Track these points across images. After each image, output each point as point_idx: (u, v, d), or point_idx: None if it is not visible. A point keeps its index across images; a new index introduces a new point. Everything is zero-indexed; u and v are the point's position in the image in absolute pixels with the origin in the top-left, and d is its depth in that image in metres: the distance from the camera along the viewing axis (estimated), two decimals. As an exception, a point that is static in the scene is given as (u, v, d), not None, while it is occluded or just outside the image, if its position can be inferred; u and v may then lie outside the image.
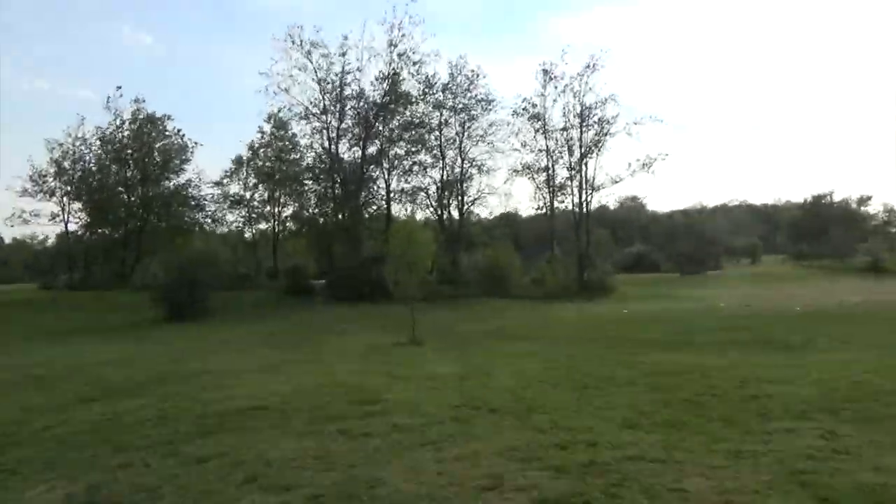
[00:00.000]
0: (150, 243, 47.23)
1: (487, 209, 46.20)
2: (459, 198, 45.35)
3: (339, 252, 41.48)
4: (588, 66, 42.65)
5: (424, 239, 19.43)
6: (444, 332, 21.70)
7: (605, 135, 43.07)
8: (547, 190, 44.91)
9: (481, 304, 35.37)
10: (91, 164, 46.24)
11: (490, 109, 44.00)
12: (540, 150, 44.55)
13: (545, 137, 44.23)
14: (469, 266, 44.29)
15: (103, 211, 44.76)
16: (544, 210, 46.02)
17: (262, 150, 49.25)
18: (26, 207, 46.34)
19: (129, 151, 46.18)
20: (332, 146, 41.52)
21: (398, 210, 45.98)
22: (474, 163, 45.19)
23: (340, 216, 41.85)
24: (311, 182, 44.71)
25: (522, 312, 30.69)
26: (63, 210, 46.91)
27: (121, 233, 45.99)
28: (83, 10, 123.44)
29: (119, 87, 56.45)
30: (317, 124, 41.65)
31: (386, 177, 44.31)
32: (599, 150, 43.55)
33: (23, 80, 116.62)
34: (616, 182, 43.96)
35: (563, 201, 45.41)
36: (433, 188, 45.32)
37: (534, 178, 45.12)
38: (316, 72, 39.88)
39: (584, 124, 43.45)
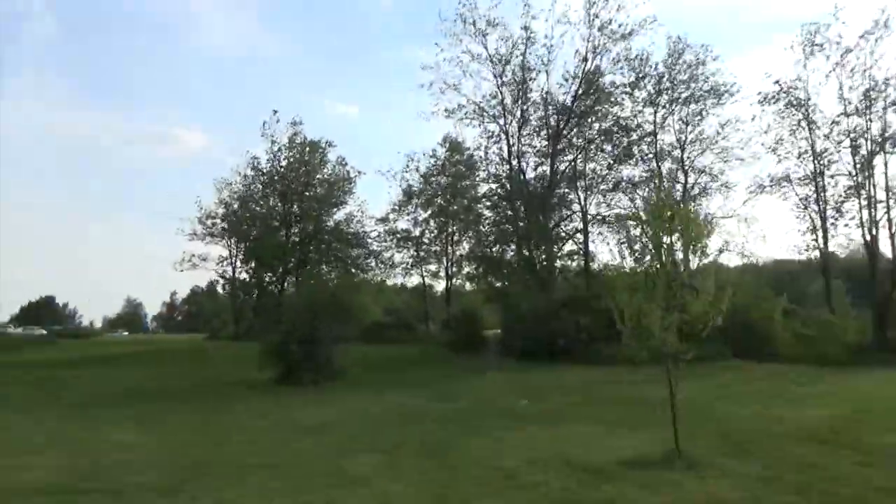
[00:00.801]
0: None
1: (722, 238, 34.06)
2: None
3: (521, 297, 32.17)
4: (878, 24, 29.06)
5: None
6: (723, 426, 10.96)
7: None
8: (817, 209, 31.39)
9: (735, 369, 23.32)
10: (253, 203, 42.52)
11: (722, 102, 32.38)
12: (802, 154, 31.45)
13: (810, 133, 31.11)
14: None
15: (262, 250, 40.38)
16: (810, 241, 32.04)
17: (434, 179, 42.31)
18: (196, 251, 43.98)
19: (287, 182, 41.63)
20: (514, 160, 32.85)
21: (595, 244, 35.80)
22: (703, 175, 33.54)
23: (525, 251, 32.58)
24: (487, 210, 36.23)
25: (822, 386, 18.27)
26: (230, 254, 43.87)
27: (279, 274, 41.14)
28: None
29: (276, 112, 41.65)
30: (493, 127, 33.32)
31: (581, 199, 34.46)
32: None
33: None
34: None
35: (840, 223, 31.20)
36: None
37: (794, 194, 31.93)
38: (492, 60, 31.75)
39: (870, 110, 29.60)
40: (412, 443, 10.01)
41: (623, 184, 34.26)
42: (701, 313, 8.40)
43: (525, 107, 32.37)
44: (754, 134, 31.92)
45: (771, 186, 32.29)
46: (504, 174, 33.17)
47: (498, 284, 36.44)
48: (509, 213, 33.58)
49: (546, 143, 32.98)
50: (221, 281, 46.30)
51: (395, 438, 10.38)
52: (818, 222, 31.38)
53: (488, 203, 35.82)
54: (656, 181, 32.08)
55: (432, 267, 44.80)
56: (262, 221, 41.60)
